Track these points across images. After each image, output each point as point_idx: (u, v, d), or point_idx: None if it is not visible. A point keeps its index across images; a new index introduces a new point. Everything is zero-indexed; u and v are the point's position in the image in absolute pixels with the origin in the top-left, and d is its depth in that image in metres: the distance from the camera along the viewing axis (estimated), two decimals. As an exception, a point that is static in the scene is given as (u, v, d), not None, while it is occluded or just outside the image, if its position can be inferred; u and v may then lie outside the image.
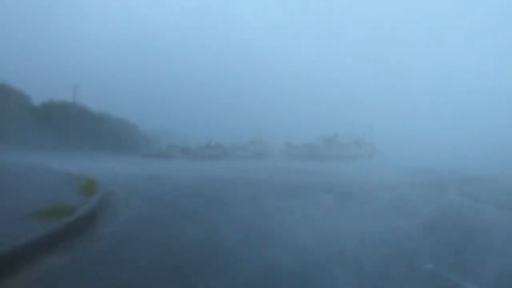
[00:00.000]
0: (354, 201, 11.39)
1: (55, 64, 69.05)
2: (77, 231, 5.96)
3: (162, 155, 50.06)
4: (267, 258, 4.92)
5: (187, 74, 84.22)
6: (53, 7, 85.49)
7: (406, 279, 4.41)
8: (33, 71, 65.30)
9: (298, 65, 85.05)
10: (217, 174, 21.95)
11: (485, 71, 78.44)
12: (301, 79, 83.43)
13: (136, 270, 4.48)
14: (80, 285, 4.09)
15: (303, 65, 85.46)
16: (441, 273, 4.57)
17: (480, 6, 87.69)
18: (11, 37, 74.65)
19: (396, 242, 6.08)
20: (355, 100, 77.90)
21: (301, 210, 9.34)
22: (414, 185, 16.46)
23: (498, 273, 4.60)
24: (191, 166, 32.39)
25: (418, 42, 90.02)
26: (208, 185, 14.35)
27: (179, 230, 6.64)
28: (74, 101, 59.64)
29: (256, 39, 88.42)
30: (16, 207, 6.93)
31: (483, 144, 56.37)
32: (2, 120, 46.50)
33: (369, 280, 4.35)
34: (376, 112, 73.76)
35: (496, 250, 5.80)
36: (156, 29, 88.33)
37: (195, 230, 6.50)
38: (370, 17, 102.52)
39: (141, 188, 12.38)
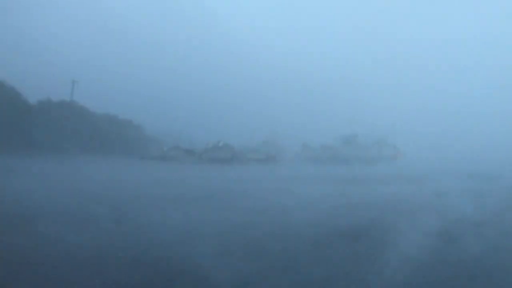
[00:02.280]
0: None
1: (54, 60, 62.24)
2: None
3: (162, 158, 42.48)
4: None
5: (196, 74, 77.36)
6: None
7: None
8: (29, 67, 58.53)
9: (313, 64, 77.68)
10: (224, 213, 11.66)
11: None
12: (316, 78, 76.36)
13: None
14: None
15: (318, 64, 78.29)
16: None
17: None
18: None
19: None
20: (375, 101, 71.04)
21: None
22: None
23: None
24: (188, 175, 23.42)
25: (438, 40, 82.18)
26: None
27: None
28: (72, 99, 52.87)
29: (269, 39, 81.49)
30: None
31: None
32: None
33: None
34: (397, 113, 67.32)
35: None
36: (163, 25, 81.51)
37: None
38: (384, 15, 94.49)
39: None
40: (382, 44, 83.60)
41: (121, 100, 60.46)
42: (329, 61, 77.28)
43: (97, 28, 78.28)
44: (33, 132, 43.85)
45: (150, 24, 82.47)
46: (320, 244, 5.70)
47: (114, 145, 47.59)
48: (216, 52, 78.81)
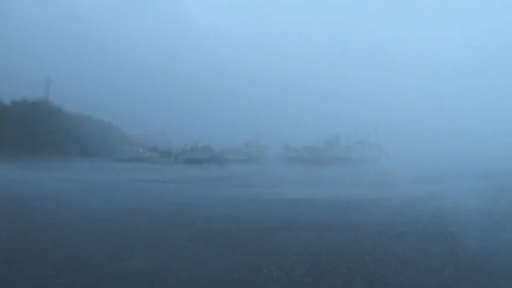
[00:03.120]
0: None
1: (30, 62, 59.96)
2: None
3: (137, 159, 40.85)
4: None
5: (178, 77, 75.79)
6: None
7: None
8: (4, 68, 56.16)
9: (297, 63, 76.89)
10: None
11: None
12: (300, 77, 75.60)
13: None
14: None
15: (301, 63, 77.53)
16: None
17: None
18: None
19: None
20: (357, 99, 70.75)
21: None
22: None
23: None
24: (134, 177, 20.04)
25: (422, 38, 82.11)
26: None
27: None
28: (47, 98, 50.82)
29: (252, 40, 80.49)
30: None
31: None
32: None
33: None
34: (380, 111, 67.06)
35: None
36: (143, 28, 79.81)
37: None
38: (367, 17, 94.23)
39: None
40: (366, 45, 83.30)
41: (100, 103, 58.70)
42: (312, 63, 76.63)
43: (74, 31, 76.26)
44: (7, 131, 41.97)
45: (131, 28, 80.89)
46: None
47: (90, 147, 45.74)
48: (197, 54, 77.59)
